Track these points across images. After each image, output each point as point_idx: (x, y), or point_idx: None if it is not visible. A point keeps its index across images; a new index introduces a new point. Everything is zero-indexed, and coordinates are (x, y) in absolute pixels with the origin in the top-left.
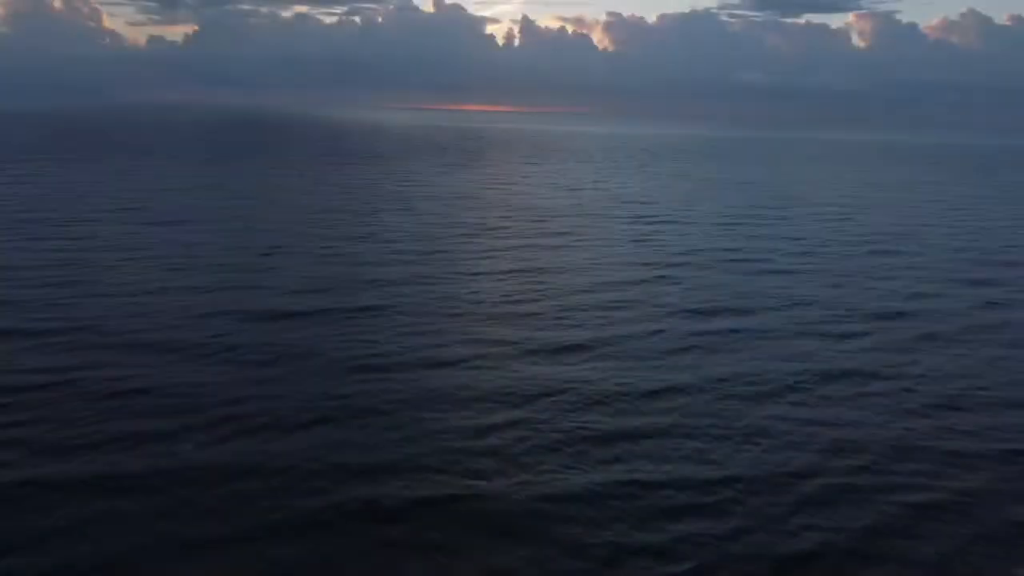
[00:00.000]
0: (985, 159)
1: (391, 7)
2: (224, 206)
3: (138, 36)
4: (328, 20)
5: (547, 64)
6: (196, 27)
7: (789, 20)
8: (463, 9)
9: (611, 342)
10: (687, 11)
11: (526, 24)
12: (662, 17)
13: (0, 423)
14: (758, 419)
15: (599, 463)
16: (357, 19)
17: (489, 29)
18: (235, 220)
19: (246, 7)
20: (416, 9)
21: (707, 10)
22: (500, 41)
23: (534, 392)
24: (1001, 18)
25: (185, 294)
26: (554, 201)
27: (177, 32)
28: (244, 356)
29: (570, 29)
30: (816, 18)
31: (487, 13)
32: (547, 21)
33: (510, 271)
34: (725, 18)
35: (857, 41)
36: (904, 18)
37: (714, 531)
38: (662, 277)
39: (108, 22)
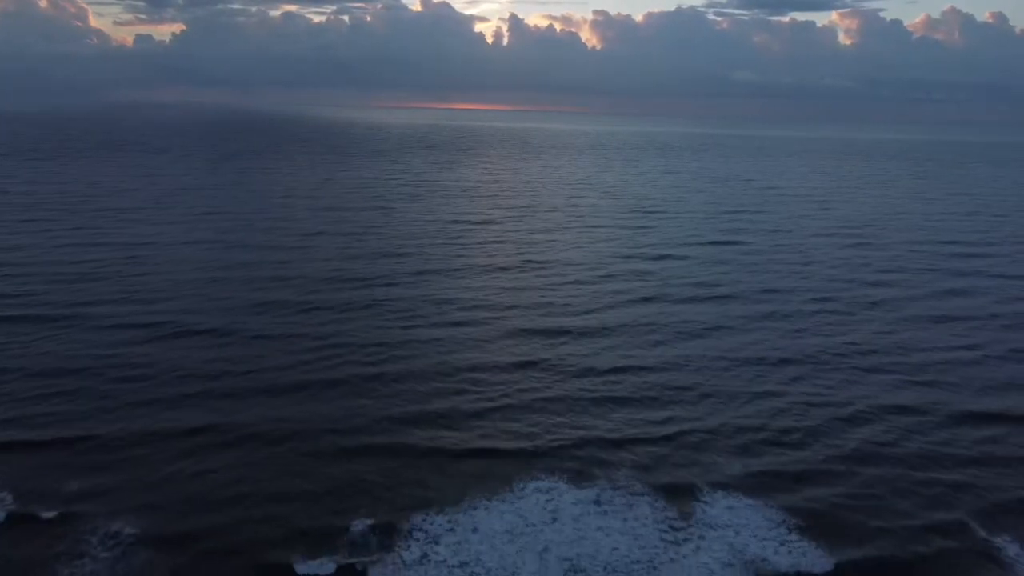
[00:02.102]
0: (963, 155)
1: (379, 6)
2: (247, 202)
3: (125, 35)
4: (317, 19)
5: (536, 62)
6: (184, 26)
7: (775, 18)
8: (451, 7)
9: (602, 324)
10: (673, 9)
11: (514, 22)
12: (649, 15)
13: (88, 386)
14: (732, 385)
15: (585, 416)
16: (345, 18)
17: (478, 28)
18: (259, 214)
19: (234, 6)
20: (404, 8)
21: (693, 8)
22: (489, 39)
23: (536, 361)
24: (982, 15)
25: (229, 284)
26: (550, 198)
27: (164, 31)
28: (289, 332)
29: (558, 27)
30: (802, 16)
31: (475, 11)
32: (535, 19)
33: (512, 262)
34: (712, 16)
35: (843, 39)
36: (888, 16)
37: (693, 457)
38: (650, 266)
39: (95, 21)
